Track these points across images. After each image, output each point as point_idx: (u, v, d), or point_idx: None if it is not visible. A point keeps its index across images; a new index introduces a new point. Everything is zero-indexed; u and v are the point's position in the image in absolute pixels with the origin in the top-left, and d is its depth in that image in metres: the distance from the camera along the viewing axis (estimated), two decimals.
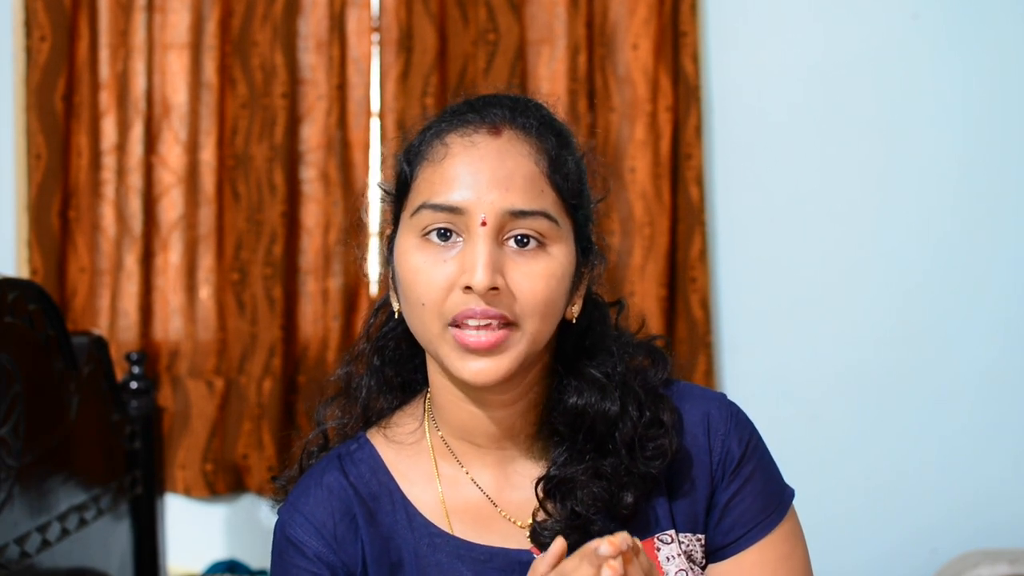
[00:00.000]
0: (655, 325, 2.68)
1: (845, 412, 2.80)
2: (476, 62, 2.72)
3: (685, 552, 1.15)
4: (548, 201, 1.08)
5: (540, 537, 1.12)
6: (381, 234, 1.20)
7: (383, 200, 1.18)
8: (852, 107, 2.79)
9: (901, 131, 2.79)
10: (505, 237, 1.07)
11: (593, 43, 2.75)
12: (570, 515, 1.11)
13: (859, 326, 2.80)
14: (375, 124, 2.78)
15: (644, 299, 2.72)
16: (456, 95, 1.19)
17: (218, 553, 2.76)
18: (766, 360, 2.80)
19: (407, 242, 1.10)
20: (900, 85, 2.79)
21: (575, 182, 1.12)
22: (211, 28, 2.75)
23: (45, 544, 1.65)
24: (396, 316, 1.15)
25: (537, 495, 1.13)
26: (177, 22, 2.77)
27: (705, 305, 2.73)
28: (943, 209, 2.79)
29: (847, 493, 2.75)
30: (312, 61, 2.78)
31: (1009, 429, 2.78)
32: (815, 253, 2.81)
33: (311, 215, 2.78)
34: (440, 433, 1.17)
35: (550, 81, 2.75)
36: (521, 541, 1.14)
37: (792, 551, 1.17)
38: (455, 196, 1.07)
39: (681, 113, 2.74)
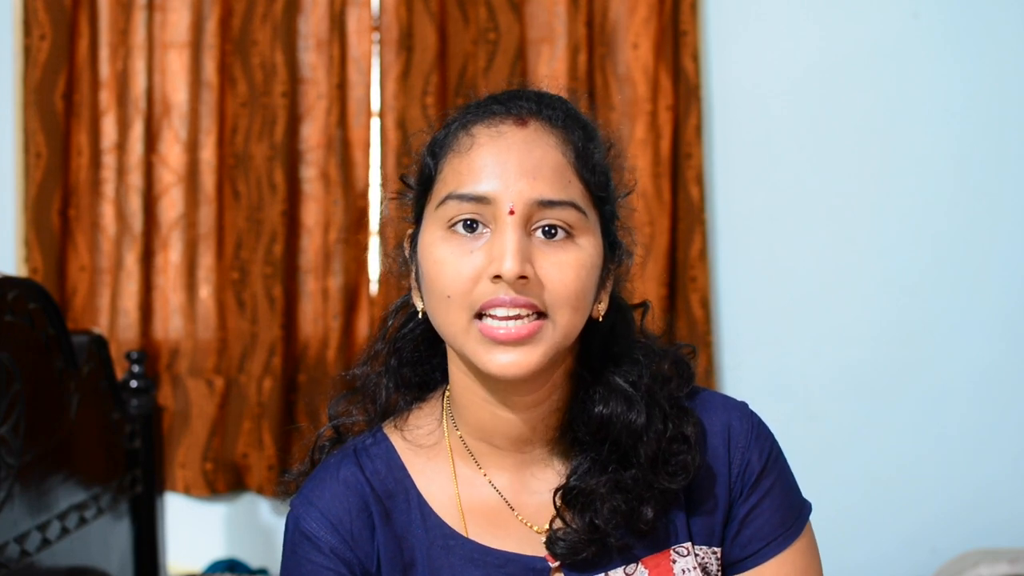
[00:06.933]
0: (655, 324, 2.68)
1: (845, 411, 2.80)
2: (476, 61, 2.72)
3: (700, 564, 1.13)
4: (576, 192, 1.06)
5: (556, 547, 1.10)
6: (390, 234, 1.18)
7: (404, 196, 1.16)
8: (852, 106, 2.79)
9: (901, 130, 2.79)
10: (533, 227, 1.05)
11: (593, 42, 2.75)
12: (588, 526, 1.09)
13: (859, 325, 2.80)
14: (375, 123, 2.78)
15: (644, 298, 2.71)
16: (457, 94, 1.17)
17: (218, 552, 2.76)
18: (766, 359, 2.80)
19: (432, 235, 1.07)
20: (900, 84, 2.79)
21: (602, 175, 1.10)
22: (211, 27, 2.75)
23: (45, 543, 1.65)
24: (420, 316, 1.13)
25: (555, 504, 1.11)
26: (177, 21, 2.77)
27: (705, 304, 2.73)
28: (942, 208, 2.79)
29: (847, 492, 2.75)
30: (312, 60, 2.78)
31: (1008, 428, 2.78)
32: (815, 252, 2.81)
33: (311, 214, 2.78)
34: (459, 433, 1.15)
35: (550, 80, 2.70)
36: (536, 547, 1.12)
37: (808, 567, 1.16)
38: (482, 186, 1.05)
39: (681, 112, 2.74)
